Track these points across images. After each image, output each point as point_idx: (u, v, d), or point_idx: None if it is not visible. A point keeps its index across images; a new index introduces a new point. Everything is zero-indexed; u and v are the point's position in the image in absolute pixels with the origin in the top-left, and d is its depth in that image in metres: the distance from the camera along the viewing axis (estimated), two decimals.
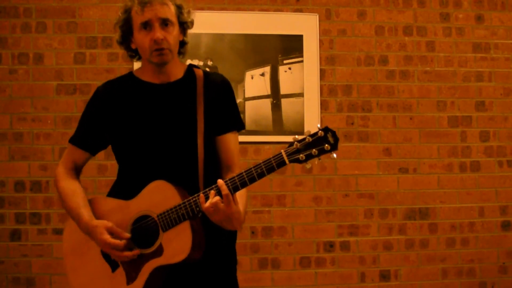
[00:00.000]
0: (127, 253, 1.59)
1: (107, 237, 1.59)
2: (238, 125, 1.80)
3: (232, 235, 1.81)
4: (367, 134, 3.24)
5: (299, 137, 1.50)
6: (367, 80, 3.26)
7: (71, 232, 1.73)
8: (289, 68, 3.21)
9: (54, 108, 3.09)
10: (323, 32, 3.24)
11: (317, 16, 3.23)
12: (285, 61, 3.20)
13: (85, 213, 1.67)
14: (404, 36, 3.30)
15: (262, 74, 3.19)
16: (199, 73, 1.77)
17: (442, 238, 3.24)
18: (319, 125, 1.51)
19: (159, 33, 1.64)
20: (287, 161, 1.49)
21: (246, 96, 3.15)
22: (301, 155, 1.48)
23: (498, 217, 3.29)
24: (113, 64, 3.12)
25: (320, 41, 3.23)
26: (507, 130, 3.32)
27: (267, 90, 3.19)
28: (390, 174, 3.24)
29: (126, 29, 1.72)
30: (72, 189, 1.74)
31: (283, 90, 3.20)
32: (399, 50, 3.29)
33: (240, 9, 3.21)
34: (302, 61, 3.21)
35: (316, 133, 1.48)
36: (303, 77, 3.20)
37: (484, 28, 3.35)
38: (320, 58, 3.23)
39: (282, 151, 1.50)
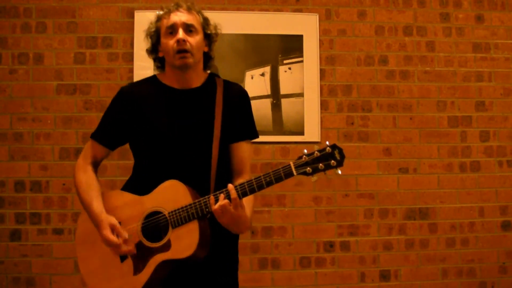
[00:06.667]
0: (123, 249, 1.68)
1: (107, 232, 1.68)
2: (252, 135, 1.90)
3: (235, 236, 1.88)
4: (367, 134, 3.24)
5: (308, 151, 1.60)
6: (367, 80, 3.26)
7: (84, 221, 1.82)
8: (289, 68, 3.20)
9: (54, 108, 3.09)
10: (323, 32, 3.24)
11: (317, 16, 3.23)
12: (285, 61, 3.20)
13: (96, 205, 1.74)
14: (404, 36, 3.30)
15: (262, 74, 3.19)
16: (219, 82, 1.87)
17: (442, 238, 3.24)
18: (328, 142, 1.62)
19: (182, 35, 1.74)
20: (295, 173, 1.59)
21: None
22: (308, 168, 1.59)
23: (498, 217, 3.29)
24: (113, 64, 3.12)
25: (320, 41, 3.23)
26: (507, 130, 3.33)
27: (267, 90, 3.19)
28: (390, 174, 3.24)
29: (155, 37, 1.82)
30: (87, 181, 1.81)
31: (283, 90, 3.20)
32: (399, 50, 3.29)
33: (240, 9, 3.21)
34: (302, 61, 3.21)
35: (324, 149, 1.60)
36: (303, 77, 3.20)
37: (484, 28, 3.35)
38: (320, 58, 3.23)
39: (291, 162, 1.60)
